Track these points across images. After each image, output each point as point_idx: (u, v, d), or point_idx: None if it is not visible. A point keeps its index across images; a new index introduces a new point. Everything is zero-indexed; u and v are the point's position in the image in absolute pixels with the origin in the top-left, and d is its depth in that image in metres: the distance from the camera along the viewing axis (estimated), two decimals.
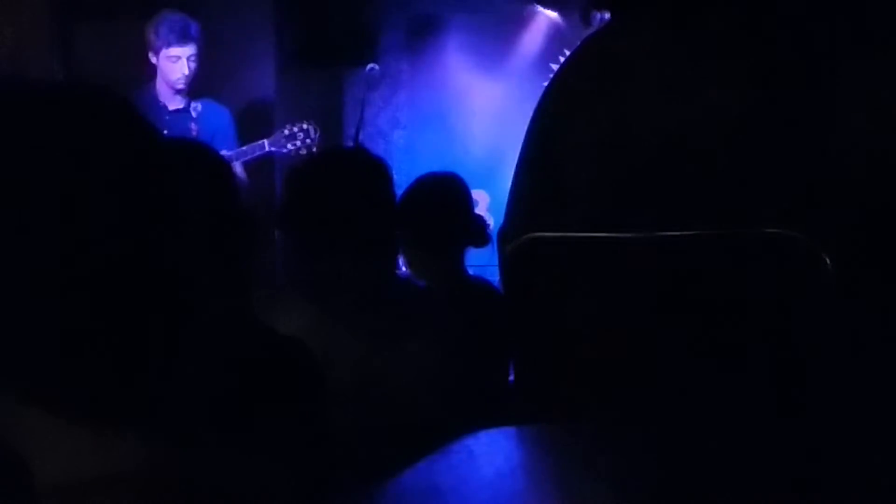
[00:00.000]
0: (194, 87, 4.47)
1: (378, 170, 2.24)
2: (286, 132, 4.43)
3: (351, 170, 2.19)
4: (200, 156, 1.80)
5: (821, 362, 0.78)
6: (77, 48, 5.12)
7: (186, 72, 4.35)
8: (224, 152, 4.19)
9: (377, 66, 5.15)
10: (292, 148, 4.40)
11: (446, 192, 2.82)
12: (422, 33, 6.02)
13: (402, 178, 5.31)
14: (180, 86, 4.38)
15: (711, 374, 0.82)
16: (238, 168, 4.29)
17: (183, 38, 4.32)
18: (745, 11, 0.85)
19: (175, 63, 4.35)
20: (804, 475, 0.62)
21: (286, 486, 0.94)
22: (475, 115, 5.86)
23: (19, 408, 0.76)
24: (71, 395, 0.76)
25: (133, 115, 0.82)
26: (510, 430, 0.77)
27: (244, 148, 4.40)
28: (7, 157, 0.76)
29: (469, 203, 2.85)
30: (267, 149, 4.39)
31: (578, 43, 0.96)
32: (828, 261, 0.76)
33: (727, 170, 0.81)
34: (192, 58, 4.36)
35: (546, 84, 0.97)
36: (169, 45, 4.32)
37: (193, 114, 4.45)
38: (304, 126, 4.45)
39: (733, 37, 0.84)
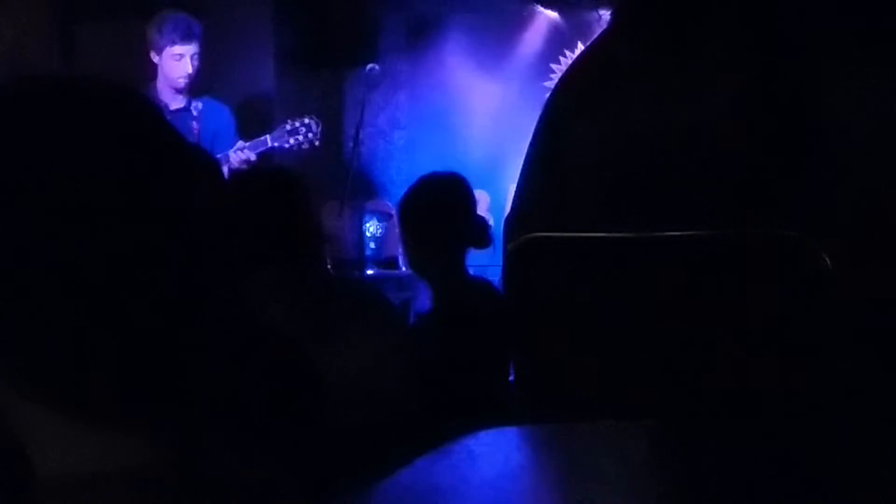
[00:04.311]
0: (195, 87, 4.48)
1: (284, 185, 2.33)
2: (288, 127, 4.45)
3: (259, 188, 2.31)
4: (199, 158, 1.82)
5: (821, 362, 0.78)
6: (77, 48, 5.12)
7: (189, 70, 4.37)
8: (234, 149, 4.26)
9: (377, 66, 5.15)
10: (294, 142, 4.43)
11: (449, 192, 2.81)
12: (422, 33, 6.03)
13: (403, 178, 5.32)
14: (181, 84, 4.40)
15: (711, 374, 0.82)
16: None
17: (186, 37, 4.34)
18: (745, 14, 0.85)
19: (178, 61, 4.36)
20: (804, 474, 0.62)
21: (287, 485, 0.94)
22: (475, 115, 5.86)
23: (22, 403, 0.76)
24: (73, 392, 0.77)
25: (153, 113, 0.82)
26: (510, 430, 0.77)
27: (247, 144, 4.41)
28: (22, 153, 0.76)
29: (471, 204, 2.84)
30: (269, 144, 4.42)
31: (578, 43, 0.96)
32: (828, 261, 0.76)
33: (727, 170, 0.81)
34: (195, 56, 4.39)
35: (547, 84, 0.97)
36: (173, 43, 4.34)
37: (194, 112, 4.46)
38: (306, 120, 4.47)
39: (734, 39, 0.84)
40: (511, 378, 2.45)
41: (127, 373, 0.77)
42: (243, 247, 2.10)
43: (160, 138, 0.81)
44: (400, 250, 4.14)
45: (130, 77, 4.45)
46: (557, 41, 5.80)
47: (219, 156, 4.27)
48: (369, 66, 5.09)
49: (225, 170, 4.20)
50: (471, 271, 2.84)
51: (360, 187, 5.14)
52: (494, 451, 0.70)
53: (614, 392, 0.86)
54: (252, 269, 2.10)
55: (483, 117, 5.82)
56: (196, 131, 4.41)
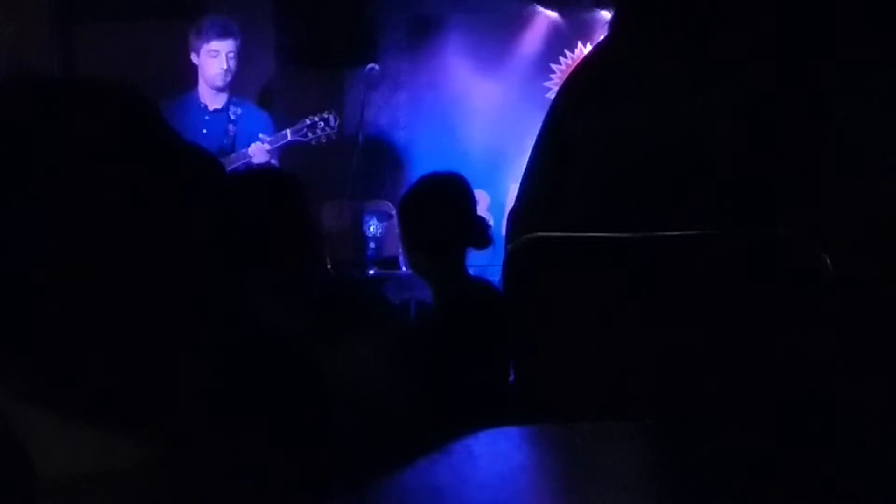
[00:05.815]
0: (234, 88, 4.55)
1: (286, 185, 2.35)
2: (308, 122, 4.58)
3: (261, 188, 2.32)
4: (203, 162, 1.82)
5: (821, 362, 0.78)
6: (77, 48, 5.12)
7: (226, 66, 4.47)
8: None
9: (377, 66, 5.15)
10: (312, 136, 4.54)
11: (449, 192, 2.81)
12: (422, 33, 6.02)
13: (403, 179, 5.31)
14: (219, 83, 4.48)
15: (711, 374, 0.82)
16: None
17: (223, 34, 4.46)
18: (745, 15, 0.85)
19: (215, 58, 4.47)
20: (804, 475, 0.62)
21: (285, 485, 0.94)
22: (475, 115, 5.85)
23: (22, 403, 0.76)
24: (73, 392, 0.77)
25: (151, 112, 0.82)
26: (510, 430, 0.77)
27: (268, 138, 4.50)
28: (21, 153, 0.76)
29: (471, 204, 2.84)
30: (289, 138, 4.50)
31: (578, 43, 0.96)
32: (828, 261, 0.76)
33: (727, 170, 0.81)
34: (232, 55, 4.49)
35: (547, 84, 0.97)
36: (209, 40, 4.45)
37: (232, 116, 4.54)
38: (325, 115, 4.63)
39: (734, 40, 0.84)
40: (511, 378, 2.45)
41: (126, 373, 0.77)
42: (243, 247, 2.10)
43: (158, 137, 0.81)
44: (400, 250, 4.14)
45: (130, 77, 4.45)
46: (557, 41, 5.80)
47: (242, 150, 4.37)
48: (369, 66, 5.10)
49: (245, 163, 4.32)
50: (471, 271, 2.84)
51: (360, 187, 5.15)
52: (494, 451, 0.70)
53: (614, 392, 0.86)
54: (252, 269, 2.10)
55: (483, 117, 5.81)
56: (232, 133, 4.49)
